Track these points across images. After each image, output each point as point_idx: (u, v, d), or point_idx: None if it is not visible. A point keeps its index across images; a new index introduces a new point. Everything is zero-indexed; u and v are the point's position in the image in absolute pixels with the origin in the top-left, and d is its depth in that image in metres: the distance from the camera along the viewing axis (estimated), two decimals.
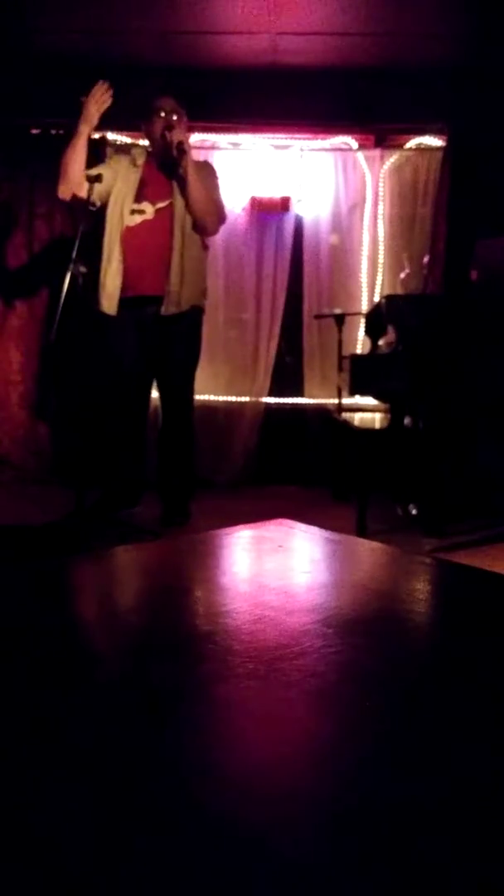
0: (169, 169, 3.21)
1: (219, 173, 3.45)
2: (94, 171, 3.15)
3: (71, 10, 3.71)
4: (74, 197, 3.17)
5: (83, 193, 3.13)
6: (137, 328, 3.24)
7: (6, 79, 4.23)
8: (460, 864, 0.42)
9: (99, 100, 3.09)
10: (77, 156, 3.13)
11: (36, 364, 4.48)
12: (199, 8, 3.66)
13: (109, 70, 4.13)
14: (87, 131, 3.13)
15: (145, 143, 3.46)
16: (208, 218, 3.25)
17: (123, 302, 3.22)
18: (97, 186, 3.11)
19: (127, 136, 4.34)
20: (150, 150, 3.34)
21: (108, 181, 3.22)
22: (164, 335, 3.22)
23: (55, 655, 0.72)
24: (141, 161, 3.31)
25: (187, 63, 4.20)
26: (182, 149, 3.09)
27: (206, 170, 3.37)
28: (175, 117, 3.19)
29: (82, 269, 3.03)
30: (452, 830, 0.45)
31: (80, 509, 3.25)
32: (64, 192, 3.18)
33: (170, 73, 4.19)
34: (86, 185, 3.11)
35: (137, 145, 4.04)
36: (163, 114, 3.19)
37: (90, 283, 3.12)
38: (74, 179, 3.14)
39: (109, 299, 3.22)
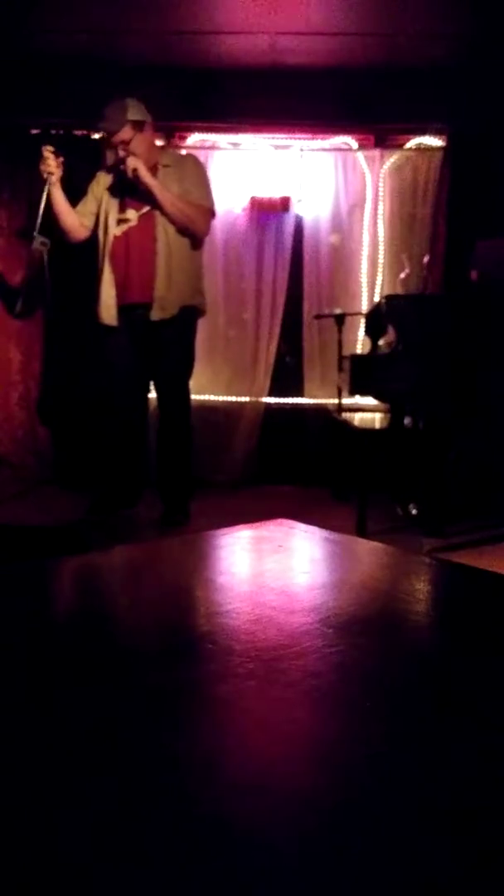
0: (138, 191, 3.21)
1: (203, 162, 3.47)
2: (86, 212, 3.30)
3: (71, 10, 3.71)
4: (84, 238, 3.34)
5: (87, 232, 3.32)
6: (130, 333, 3.26)
7: (6, 79, 4.23)
8: (460, 864, 0.42)
9: (53, 165, 3.13)
10: (61, 209, 3.24)
11: (36, 366, 4.49)
12: (199, 8, 3.66)
13: (109, 70, 4.15)
14: (57, 190, 3.20)
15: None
16: (190, 224, 3.24)
17: (118, 310, 3.25)
18: (90, 218, 3.30)
19: None
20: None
21: (96, 205, 3.30)
22: (156, 339, 3.24)
23: (54, 655, 0.72)
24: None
25: (187, 63, 4.20)
26: (136, 175, 3.11)
27: (188, 166, 3.34)
28: (127, 140, 3.16)
29: (43, 240, 3.12)
30: (452, 830, 0.45)
31: (99, 505, 3.33)
32: (74, 240, 3.34)
33: (170, 73, 4.19)
34: (85, 227, 3.30)
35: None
36: (111, 143, 3.20)
37: (56, 256, 3.20)
38: (74, 227, 3.30)
39: (108, 310, 3.25)
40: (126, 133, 3.16)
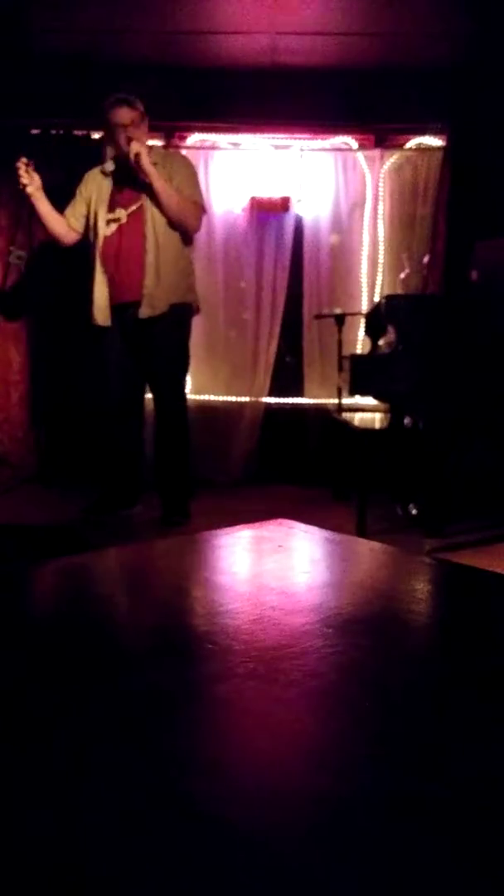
0: (128, 189, 3.21)
1: (196, 161, 3.49)
2: (75, 214, 3.31)
3: (71, 10, 3.71)
4: (75, 241, 3.35)
5: (77, 236, 3.33)
6: (122, 332, 3.26)
7: (6, 79, 4.23)
8: (459, 865, 0.42)
9: (26, 178, 3.12)
10: (46, 216, 3.25)
11: (36, 366, 4.50)
12: (199, 8, 3.66)
13: (109, 70, 4.15)
14: (38, 200, 3.21)
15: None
16: (184, 219, 3.24)
17: (111, 310, 3.25)
18: (79, 221, 3.31)
19: None
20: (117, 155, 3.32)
21: (85, 207, 3.31)
22: (147, 337, 3.23)
23: (55, 655, 0.72)
24: (110, 169, 3.31)
25: (187, 63, 4.20)
26: (138, 160, 3.10)
27: (177, 163, 3.34)
28: (133, 125, 3.16)
29: (20, 254, 3.12)
30: (452, 830, 0.45)
31: (98, 506, 3.34)
32: (64, 245, 3.37)
33: (170, 73, 4.19)
34: (74, 230, 3.32)
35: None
36: (119, 126, 3.18)
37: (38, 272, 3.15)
38: (62, 232, 3.31)
39: (101, 311, 3.25)
40: (134, 114, 3.18)
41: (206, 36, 3.93)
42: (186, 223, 3.25)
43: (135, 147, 3.10)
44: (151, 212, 3.19)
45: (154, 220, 3.18)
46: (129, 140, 3.13)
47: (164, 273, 3.19)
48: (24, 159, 3.11)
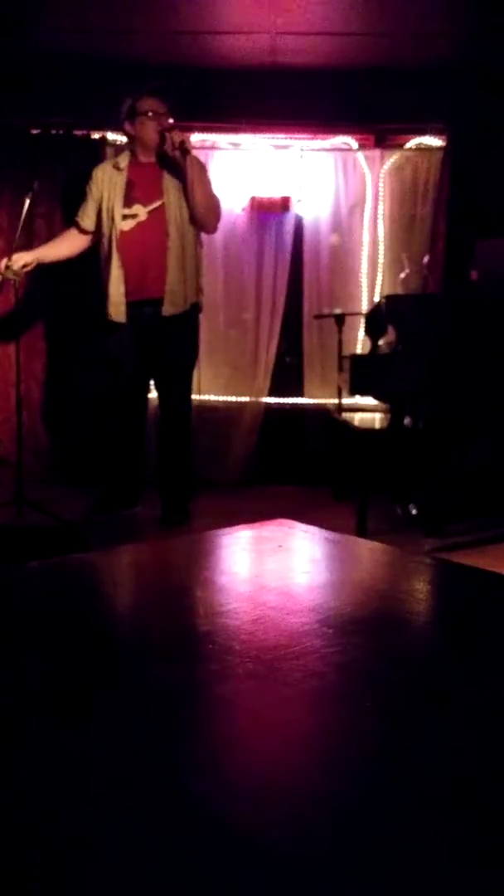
0: (173, 169, 3.20)
1: (208, 168, 3.52)
2: (89, 215, 3.33)
3: (71, 10, 3.71)
4: (92, 242, 3.40)
5: (91, 237, 3.38)
6: (136, 329, 3.25)
7: (6, 79, 4.23)
8: (459, 865, 0.42)
9: (7, 274, 3.25)
10: (57, 256, 3.42)
11: (38, 366, 4.49)
12: (199, 8, 3.65)
13: (109, 70, 4.15)
14: (42, 258, 3.36)
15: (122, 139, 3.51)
16: (210, 216, 3.27)
17: (126, 306, 3.24)
18: (92, 221, 3.34)
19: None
20: (133, 150, 3.32)
21: (97, 205, 3.32)
22: (164, 335, 3.22)
23: (55, 655, 0.72)
24: (125, 164, 3.30)
25: (187, 63, 4.20)
26: (185, 148, 3.09)
27: (199, 166, 3.37)
28: (166, 114, 3.22)
29: (16, 270, 3.19)
30: (452, 830, 0.45)
31: (99, 505, 3.37)
32: (85, 251, 3.44)
33: (170, 73, 4.19)
34: (87, 232, 3.36)
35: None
36: (150, 114, 3.18)
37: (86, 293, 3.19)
38: (78, 248, 3.42)
39: (116, 307, 3.23)
40: (166, 105, 3.22)
41: (206, 36, 3.93)
42: (208, 222, 3.28)
43: (179, 134, 3.11)
44: (174, 210, 3.18)
45: (177, 218, 3.18)
46: (168, 128, 3.14)
47: (186, 271, 3.20)
48: (4, 261, 3.24)
